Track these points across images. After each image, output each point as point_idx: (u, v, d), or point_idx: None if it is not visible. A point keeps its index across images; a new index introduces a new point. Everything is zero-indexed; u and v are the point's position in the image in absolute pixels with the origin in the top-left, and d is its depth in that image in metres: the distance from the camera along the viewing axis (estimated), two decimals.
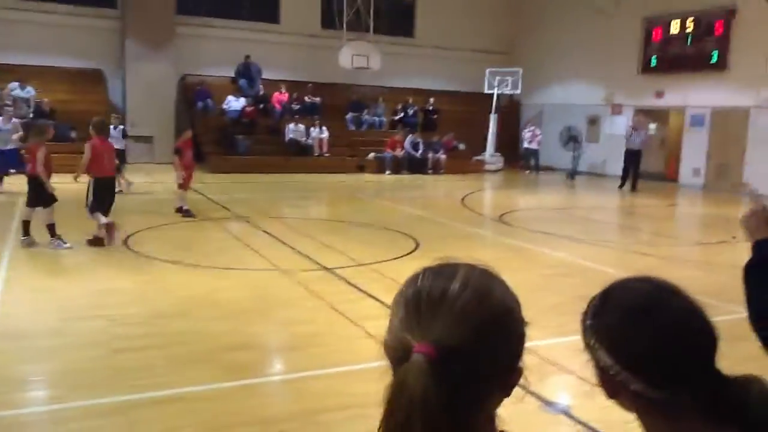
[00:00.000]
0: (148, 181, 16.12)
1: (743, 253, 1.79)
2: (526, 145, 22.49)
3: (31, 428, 4.17)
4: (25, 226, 8.59)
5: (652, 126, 21.56)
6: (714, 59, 18.63)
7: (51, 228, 8.55)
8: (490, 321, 0.95)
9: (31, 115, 17.93)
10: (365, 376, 4.86)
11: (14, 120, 14.47)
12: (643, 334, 1.12)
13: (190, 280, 7.38)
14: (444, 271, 1.00)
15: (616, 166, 21.13)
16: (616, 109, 21.66)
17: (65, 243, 8.53)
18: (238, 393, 4.58)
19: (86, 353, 5.14)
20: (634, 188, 18.07)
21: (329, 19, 22.68)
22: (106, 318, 5.94)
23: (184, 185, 11.32)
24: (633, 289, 1.19)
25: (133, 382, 4.61)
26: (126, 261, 8.20)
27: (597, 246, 10.36)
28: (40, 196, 8.49)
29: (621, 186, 18.23)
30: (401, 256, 8.75)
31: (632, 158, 18.30)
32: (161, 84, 20.42)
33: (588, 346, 1.18)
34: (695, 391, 1.10)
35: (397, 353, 0.94)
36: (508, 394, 0.99)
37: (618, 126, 21.50)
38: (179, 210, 11.20)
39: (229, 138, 19.68)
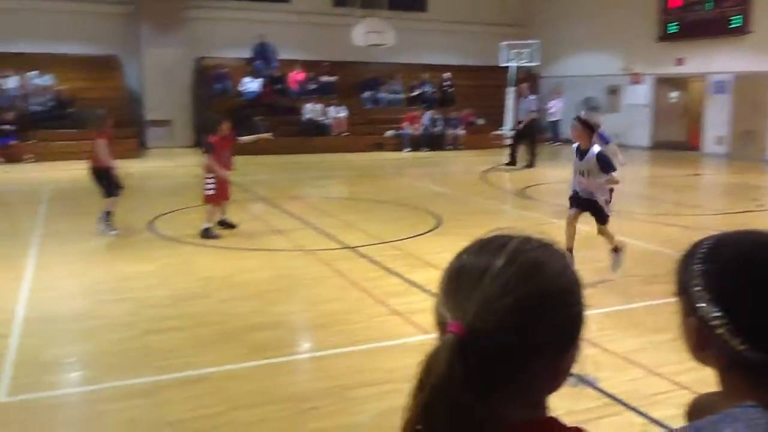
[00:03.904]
0: (168, 165, 16.25)
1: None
2: (551, 117, 22.22)
3: (66, 409, 4.24)
4: (108, 216, 8.58)
5: (673, 94, 21.24)
6: (736, 23, 18.24)
7: (108, 215, 8.61)
8: (534, 300, 0.91)
9: (51, 104, 18.13)
10: (392, 352, 4.89)
11: None
12: (765, 288, 1.02)
13: (214, 262, 7.43)
14: (492, 244, 0.97)
15: (638, 136, 20.91)
16: (636, 79, 21.34)
17: (114, 230, 8.60)
18: (266, 372, 4.62)
19: (116, 335, 5.21)
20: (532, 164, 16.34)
21: None
22: (134, 300, 6.02)
23: (213, 198, 8.58)
24: (757, 241, 1.09)
25: (162, 362, 4.66)
26: (151, 244, 8.27)
27: (619, 217, 10.24)
28: (111, 184, 8.55)
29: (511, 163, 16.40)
30: (423, 233, 8.74)
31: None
32: (177, 67, 20.45)
33: (686, 292, 1.08)
34: None
35: (438, 328, 0.94)
36: (558, 381, 0.95)
37: (639, 95, 21.22)
38: (206, 233, 8.40)
39: (246, 119, 19.69)
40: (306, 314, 5.98)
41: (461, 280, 0.93)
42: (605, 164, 6.63)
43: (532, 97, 17.35)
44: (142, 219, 9.43)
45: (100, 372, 4.57)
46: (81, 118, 17.39)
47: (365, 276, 6.76)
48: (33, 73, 18.51)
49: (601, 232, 6.90)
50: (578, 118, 6.81)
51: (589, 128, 6.66)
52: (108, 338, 5.14)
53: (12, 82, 18.15)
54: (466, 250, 0.98)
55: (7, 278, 6.67)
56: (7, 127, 16.81)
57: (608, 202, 6.80)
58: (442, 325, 0.92)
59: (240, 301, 6.03)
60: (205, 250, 7.92)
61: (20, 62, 18.64)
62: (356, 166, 17.09)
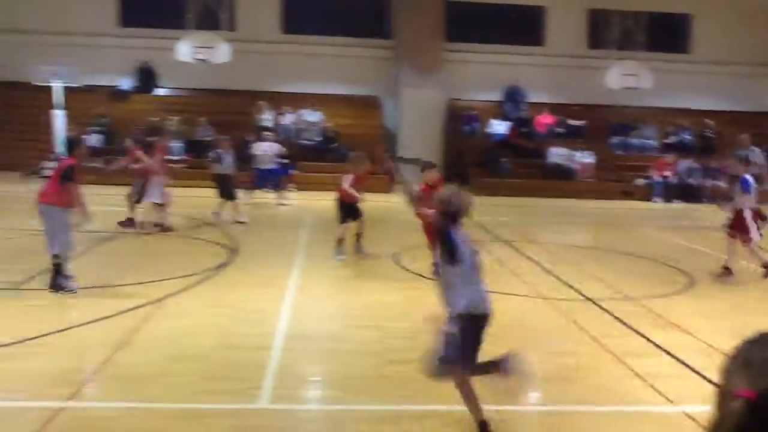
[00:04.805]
0: None
1: None
2: None
3: (315, 423, 4.65)
4: (339, 243, 9.61)
5: None
6: None
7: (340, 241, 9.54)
8: None
9: (318, 138, 20.08)
10: (630, 419, 4.67)
11: (271, 145, 16.41)
12: None
13: None
14: None
15: None
16: None
17: (341, 255, 9.43)
18: (500, 417, 4.66)
19: (361, 360, 5.60)
20: None
21: (596, 39, 22.25)
22: (380, 329, 6.43)
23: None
24: None
25: (402, 393, 4.92)
26: (395, 276, 8.77)
27: None
28: (347, 214, 9.63)
29: None
30: (672, 292, 8.20)
31: None
32: (431, 108, 21.51)
33: None
34: None
35: (722, 398, 1.07)
36: None
37: None
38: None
39: (492, 160, 20.06)
40: (542, 365, 5.90)
41: (753, 355, 1.07)
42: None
43: (755, 149, 15.55)
44: (389, 251, 10.03)
45: (346, 393, 4.94)
46: (342, 152, 19.02)
47: (605, 332, 6.51)
48: (305, 110, 20.70)
49: None
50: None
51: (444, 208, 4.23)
52: (354, 363, 5.55)
53: (288, 119, 20.44)
54: (753, 340, 1.11)
55: (272, 297, 7.46)
56: (283, 160, 18.88)
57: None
58: (727, 394, 1.05)
59: None
60: None
61: (295, 101, 20.97)
62: (601, 213, 16.53)
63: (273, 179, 16.27)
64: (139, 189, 11.61)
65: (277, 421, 4.49)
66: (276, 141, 17.24)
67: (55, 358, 5.36)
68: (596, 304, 7.50)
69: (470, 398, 4.16)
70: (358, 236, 9.82)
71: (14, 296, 7.21)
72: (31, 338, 5.72)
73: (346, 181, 9.63)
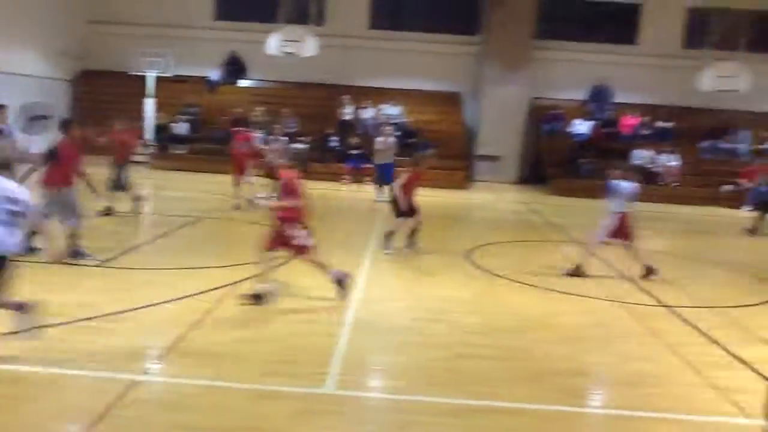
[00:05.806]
0: (491, 199, 16.89)
1: None
2: None
3: (376, 412, 4.66)
4: (389, 235, 9.62)
5: None
6: None
7: (390, 235, 9.55)
8: None
9: (397, 133, 20.10)
10: (703, 429, 4.50)
11: (390, 139, 16.23)
12: None
13: (527, 299, 7.56)
14: None
15: None
16: None
17: (389, 249, 9.46)
18: (571, 419, 4.60)
19: (430, 353, 5.60)
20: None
21: (692, 39, 21.44)
22: (449, 323, 6.40)
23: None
24: None
25: (470, 387, 4.88)
26: (466, 272, 8.71)
27: None
28: (399, 209, 9.60)
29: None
30: (758, 304, 7.82)
31: None
32: (513, 106, 21.25)
33: None
34: None
35: None
36: None
37: None
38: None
39: (572, 161, 19.63)
40: (615, 369, 5.74)
41: None
42: None
43: None
44: (461, 247, 9.98)
45: (411, 384, 4.94)
46: (419, 148, 19.03)
47: (682, 340, 6.28)
48: (385, 105, 20.80)
49: None
50: None
51: None
52: (422, 355, 5.55)
53: (368, 113, 20.59)
54: None
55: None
56: (356, 151, 19.05)
57: None
58: None
59: (551, 343, 6.04)
60: (518, 286, 8.09)
61: (378, 95, 21.10)
62: (684, 219, 15.94)
63: (389, 175, 15.69)
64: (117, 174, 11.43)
65: (343, 407, 4.54)
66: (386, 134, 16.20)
67: (133, 334, 5.60)
68: (674, 312, 7.24)
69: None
70: (413, 232, 9.69)
71: (97, 273, 7.57)
72: (111, 314, 5.99)
73: (403, 180, 9.53)
